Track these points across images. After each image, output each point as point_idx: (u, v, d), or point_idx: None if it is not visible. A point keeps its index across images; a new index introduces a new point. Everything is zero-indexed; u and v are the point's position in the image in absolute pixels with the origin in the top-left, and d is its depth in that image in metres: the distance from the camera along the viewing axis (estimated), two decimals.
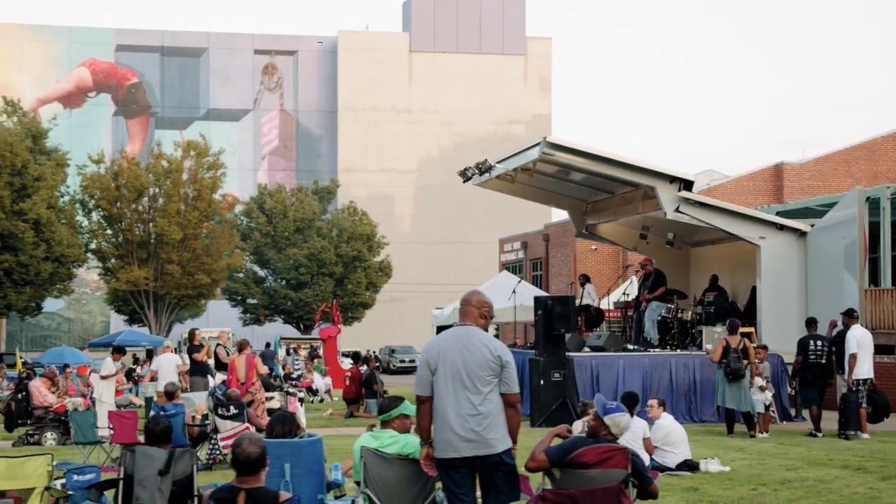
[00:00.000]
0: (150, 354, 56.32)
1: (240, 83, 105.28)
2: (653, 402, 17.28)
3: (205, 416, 20.31)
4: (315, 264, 79.39)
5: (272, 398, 24.12)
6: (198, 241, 67.40)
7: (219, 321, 78.99)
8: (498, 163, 30.15)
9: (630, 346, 29.17)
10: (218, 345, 30.38)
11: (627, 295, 33.79)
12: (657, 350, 28.53)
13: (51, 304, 72.85)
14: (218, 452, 18.73)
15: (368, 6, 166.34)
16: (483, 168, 30.18)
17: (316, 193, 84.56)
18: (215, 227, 69.39)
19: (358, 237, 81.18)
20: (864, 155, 52.85)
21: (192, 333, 30.39)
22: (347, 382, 32.68)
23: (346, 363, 67.19)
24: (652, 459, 15.97)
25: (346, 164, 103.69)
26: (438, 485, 10.16)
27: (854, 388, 21.47)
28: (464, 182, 32.00)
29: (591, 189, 32.69)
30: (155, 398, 25.32)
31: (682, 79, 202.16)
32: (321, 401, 38.36)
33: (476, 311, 9.80)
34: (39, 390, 25.34)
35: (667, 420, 17.02)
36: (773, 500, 13.66)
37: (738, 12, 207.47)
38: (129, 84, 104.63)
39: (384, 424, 10.27)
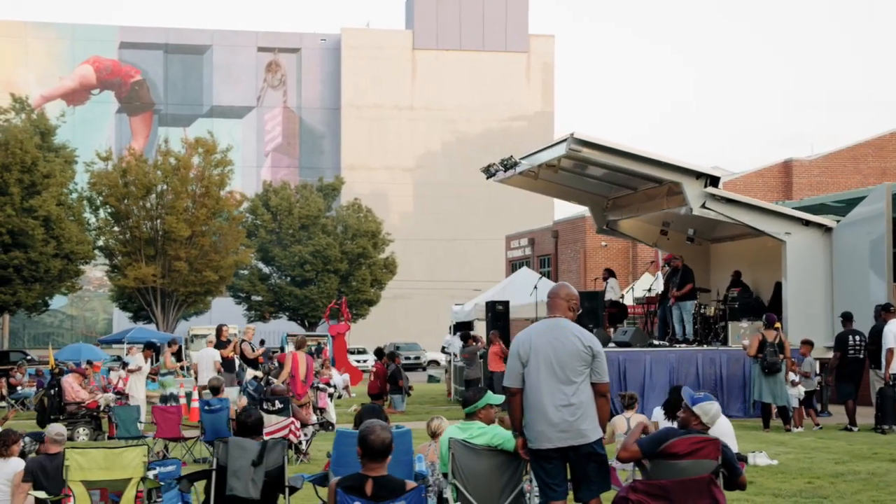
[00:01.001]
0: (158, 351, 56.28)
1: (243, 80, 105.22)
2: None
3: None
4: (320, 261, 79.49)
5: None
6: (206, 237, 67.41)
7: (223, 318, 78.84)
8: (523, 159, 30.16)
9: (655, 342, 29.25)
10: (243, 340, 30.43)
11: (651, 290, 33.86)
12: (682, 346, 28.64)
13: (54, 302, 72.74)
14: None
15: (371, 4, 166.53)
16: (508, 164, 30.22)
17: (321, 190, 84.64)
18: (223, 224, 69.42)
19: (363, 234, 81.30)
20: (873, 152, 53.01)
21: (219, 329, 30.41)
22: (372, 378, 32.81)
23: (365, 360, 67.89)
24: None
25: (350, 161, 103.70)
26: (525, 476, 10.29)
27: (891, 383, 21.59)
28: (487, 178, 32.01)
29: (613, 185, 32.74)
30: (195, 394, 25.44)
31: (685, 76, 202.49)
32: (339, 397, 38.45)
33: (565, 303, 9.94)
34: (72, 386, 25.43)
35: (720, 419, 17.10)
36: (834, 493, 13.77)
37: (740, 8, 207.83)
38: (133, 81, 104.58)
39: (470, 417, 10.34)
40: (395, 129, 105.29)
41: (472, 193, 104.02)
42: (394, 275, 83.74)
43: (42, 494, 11.63)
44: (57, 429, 13.00)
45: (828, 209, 34.17)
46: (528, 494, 10.39)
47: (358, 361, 64.49)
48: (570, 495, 9.78)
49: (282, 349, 50.28)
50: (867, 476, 15.14)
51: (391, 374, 30.41)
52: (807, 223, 28.51)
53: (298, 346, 23.94)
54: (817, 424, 23.06)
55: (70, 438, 24.57)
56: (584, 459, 9.55)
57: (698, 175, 27.72)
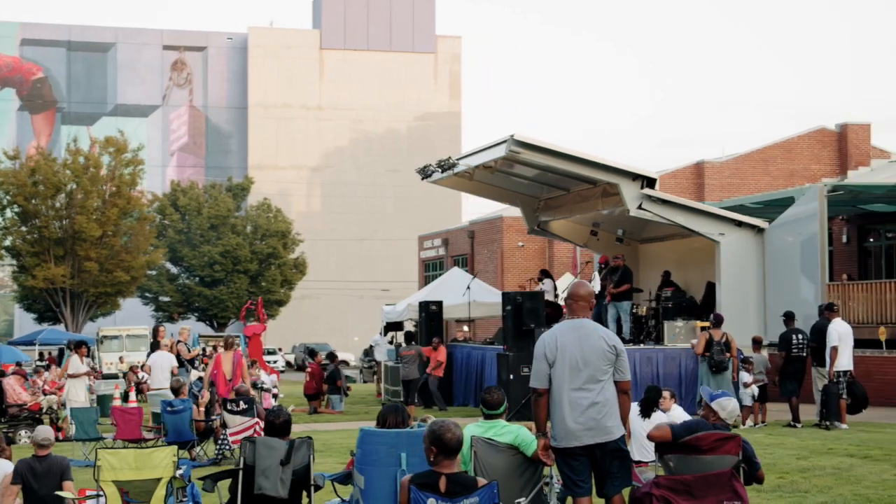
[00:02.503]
0: (62, 353, 55.53)
1: (148, 79, 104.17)
2: (665, 393, 17.67)
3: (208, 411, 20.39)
4: (230, 261, 79.15)
5: None
6: (116, 238, 66.71)
7: (131, 319, 78.25)
8: (460, 159, 30.40)
9: None
10: (179, 341, 30.36)
11: None
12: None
13: None
14: (227, 447, 18.80)
15: (278, 3, 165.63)
16: (445, 165, 30.44)
17: (230, 190, 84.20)
18: (134, 224, 68.72)
19: (273, 234, 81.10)
20: (781, 153, 54.06)
21: (156, 329, 30.34)
22: (307, 378, 32.83)
23: (276, 361, 67.72)
24: None
25: (257, 160, 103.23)
26: (547, 471, 10.49)
27: (835, 380, 22.19)
28: (422, 179, 32.22)
29: (545, 186, 33.10)
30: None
31: (593, 74, 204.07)
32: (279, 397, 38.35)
33: (587, 304, 10.17)
34: (14, 388, 25.13)
35: (678, 411, 17.41)
36: (811, 487, 14.16)
37: (648, 9, 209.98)
38: (35, 79, 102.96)
39: (491, 417, 10.49)
40: (303, 128, 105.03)
41: (380, 193, 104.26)
42: (304, 275, 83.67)
43: None
44: (45, 433, 12.95)
45: (746, 210, 34.95)
46: (547, 493, 10.58)
47: (268, 362, 64.23)
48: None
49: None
50: (834, 471, 15.57)
51: (329, 374, 30.50)
52: (739, 224, 29.08)
53: (227, 346, 23.94)
54: (763, 421, 23.59)
55: (11, 442, 24.35)
56: (609, 456, 9.80)
57: (635, 177, 28.17)
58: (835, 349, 22.12)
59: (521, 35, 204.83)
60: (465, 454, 10.33)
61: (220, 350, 22.99)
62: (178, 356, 30.13)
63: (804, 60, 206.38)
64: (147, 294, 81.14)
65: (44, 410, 25.11)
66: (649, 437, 10.12)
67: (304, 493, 10.44)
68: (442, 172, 30.88)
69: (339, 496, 10.75)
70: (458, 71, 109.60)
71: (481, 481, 7.61)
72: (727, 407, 10.15)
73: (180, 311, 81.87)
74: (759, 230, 29.04)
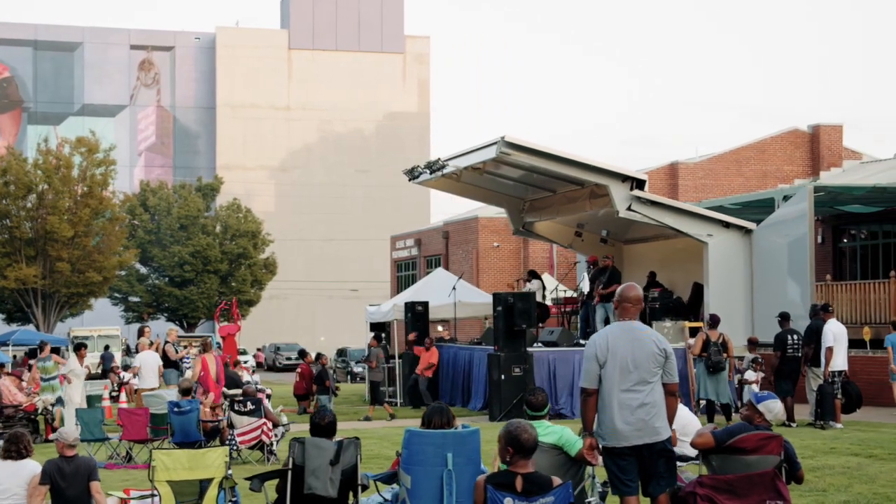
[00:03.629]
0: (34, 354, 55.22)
1: (116, 78, 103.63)
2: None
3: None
4: (200, 262, 79.05)
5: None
6: (88, 238, 66.40)
7: (100, 319, 77.99)
8: (449, 160, 30.53)
9: (582, 341, 29.87)
10: (166, 342, 30.36)
11: (564, 291, 34.49)
12: None
13: None
14: (234, 448, 18.87)
15: (246, 3, 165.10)
16: (434, 167, 30.59)
17: (199, 190, 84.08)
18: (106, 224, 68.39)
19: (243, 234, 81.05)
20: (755, 154, 54.52)
21: (141, 330, 30.34)
22: (297, 379, 32.92)
23: (246, 361, 67.65)
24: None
25: (225, 161, 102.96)
26: (589, 470, 10.65)
27: (830, 380, 22.50)
28: (409, 180, 32.40)
29: (531, 187, 33.32)
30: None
31: (560, 75, 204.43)
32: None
33: (635, 308, 10.34)
34: (9, 389, 25.09)
35: (683, 411, 17.64)
36: (829, 486, 14.39)
37: (621, 8, 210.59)
38: (1, 78, 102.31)
39: (534, 419, 10.64)
40: (271, 128, 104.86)
41: (349, 193, 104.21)
42: (274, 275, 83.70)
43: None
44: (73, 433, 13.03)
45: (725, 211, 35.21)
46: (588, 491, 10.75)
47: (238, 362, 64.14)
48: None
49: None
50: (843, 470, 15.78)
51: (318, 374, 30.57)
52: (727, 225, 29.43)
53: (205, 349, 24.20)
54: None
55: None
56: (657, 456, 9.99)
57: (624, 178, 28.44)
58: (830, 349, 22.43)
59: (490, 35, 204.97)
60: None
61: (200, 352, 23.38)
62: (164, 356, 30.17)
63: (769, 61, 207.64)
64: (116, 294, 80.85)
65: (39, 411, 25.06)
66: (692, 445, 10.33)
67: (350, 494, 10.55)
68: (430, 174, 31.05)
69: (380, 495, 10.86)
70: (426, 71, 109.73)
71: (556, 481, 7.78)
72: (774, 409, 10.39)
73: (150, 312, 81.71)
74: (747, 231, 29.36)
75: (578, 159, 28.24)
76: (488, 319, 46.01)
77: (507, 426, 7.88)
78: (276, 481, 10.47)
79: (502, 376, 27.18)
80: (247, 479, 10.80)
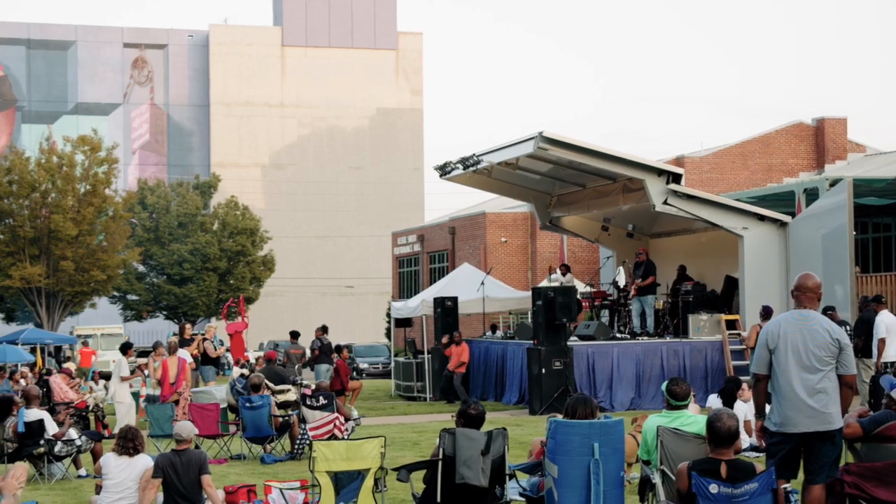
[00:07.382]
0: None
1: (109, 77, 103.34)
2: (745, 385, 18.13)
3: (283, 407, 20.65)
4: (199, 259, 79.01)
5: (288, 390, 24.36)
6: (92, 236, 66.39)
7: (99, 318, 77.98)
8: (483, 156, 30.67)
9: (618, 335, 30.12)
10: (205, 339, 30.50)
11: (593, 286, 34.69)
12: (645, 338, 29.57)
13: None
14: (307, 442, 19.00)
15: (238, 0, 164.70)
16: (469, 162, 30.74)
17: (197, 188, 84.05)
18: (110, 223, 68.34)
19: (241, 231, 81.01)
20: (760, 148, 54.85)
21: (182, 327, 30.49)
22: (333, 375, 33.02)
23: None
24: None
25: (219, 158, 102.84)
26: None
27: (883, 371, 22.73)
28: (441, 176, 32.55)
29: (559, 182, 33.51)
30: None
31: (561, 69, 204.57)
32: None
33: (815, 295, 10.51)
34: (60, 386, 25.24)
35: (745, 406, 17.89)
36: None
37: (620, 3, 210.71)
38: None
39: (676, 408, 10.83)
40: (265, 126, 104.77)
41: (343, 190, 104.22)
42: (272, 272, 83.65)
43: None
44: (188, 427, 13.22)
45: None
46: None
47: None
48: None
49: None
50: None
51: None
52: (762, 218, 29.61)
53: (171, 351, 24.67)
54: None
55: None
56: (822, 444, 10.14)
57: (660, 172, 28.64)
58: (882, 341, 22.68)
59: (482, 31, 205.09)
60: (649, 443, 10.69)
61: (166, 355, 24.02)
62: (204, 353, 30.32)
63: (751, 56, 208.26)
64: (116, 293, 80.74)
65: (90, 408, 25.15)
66: (843, 435, 10.51)
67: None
68: (464, 169, 31.21)
69: (519, 484, 11.03)
70: (419, 67, 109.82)
71: (759, 467, 7.95)
72: None
73: (149, 310, 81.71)
74: (782, 224, 29.54)
75: (615, 154, 28.45)
76: (513, 314, 46.37)
77: (711, 416, 8.05)
78: (423, 472, 10.65)
79: (543, 370, 27.36)
80: (394, 469, 10.97)
